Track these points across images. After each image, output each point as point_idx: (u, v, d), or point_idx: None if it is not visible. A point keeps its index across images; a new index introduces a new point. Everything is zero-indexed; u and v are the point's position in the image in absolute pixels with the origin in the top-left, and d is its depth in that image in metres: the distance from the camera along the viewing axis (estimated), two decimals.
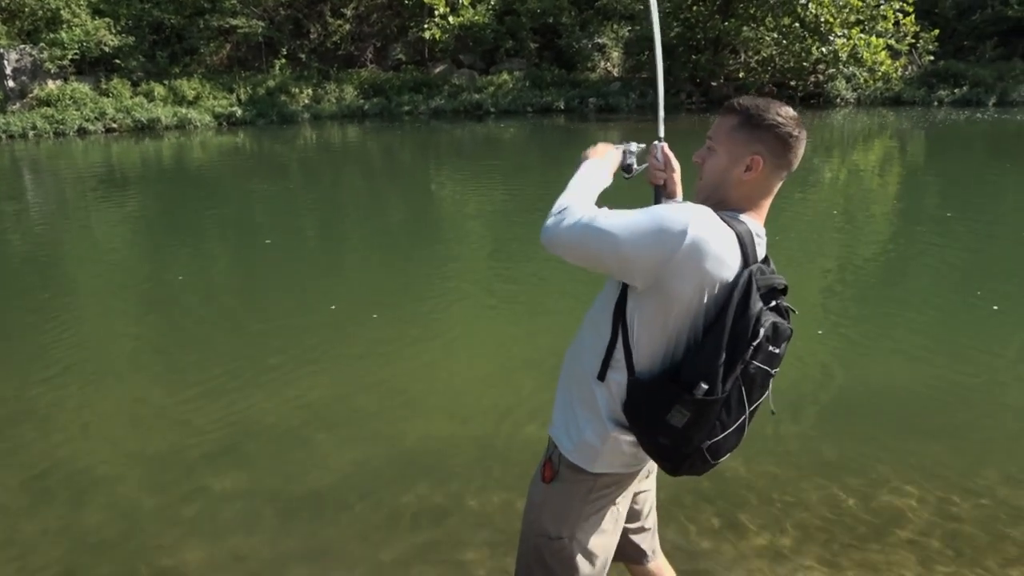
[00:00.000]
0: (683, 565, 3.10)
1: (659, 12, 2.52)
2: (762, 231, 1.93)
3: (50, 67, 23.96)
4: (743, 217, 1.88)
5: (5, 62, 23.48)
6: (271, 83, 26.32)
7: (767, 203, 1.94)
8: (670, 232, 1.74)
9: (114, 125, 23.07)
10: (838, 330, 6.13)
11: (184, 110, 23.90)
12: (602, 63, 30.16)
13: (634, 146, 2.30)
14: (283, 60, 27.70)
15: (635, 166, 2.29)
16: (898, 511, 3.59)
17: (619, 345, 1.90)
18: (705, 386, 1.76)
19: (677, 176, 2.27)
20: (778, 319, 1.81)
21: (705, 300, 1.80)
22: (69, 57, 24.07)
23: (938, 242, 8.87)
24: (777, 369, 1.86)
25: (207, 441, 4.49)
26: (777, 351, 1.82)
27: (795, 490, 3.78)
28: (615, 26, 30.32)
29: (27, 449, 4.47)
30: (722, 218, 1.82)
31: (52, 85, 23.85)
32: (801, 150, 1.90)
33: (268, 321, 6.61)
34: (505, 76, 28.45)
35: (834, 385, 5.08)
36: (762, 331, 1.75)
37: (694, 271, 1.75)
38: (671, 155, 2.27)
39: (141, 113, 23.28)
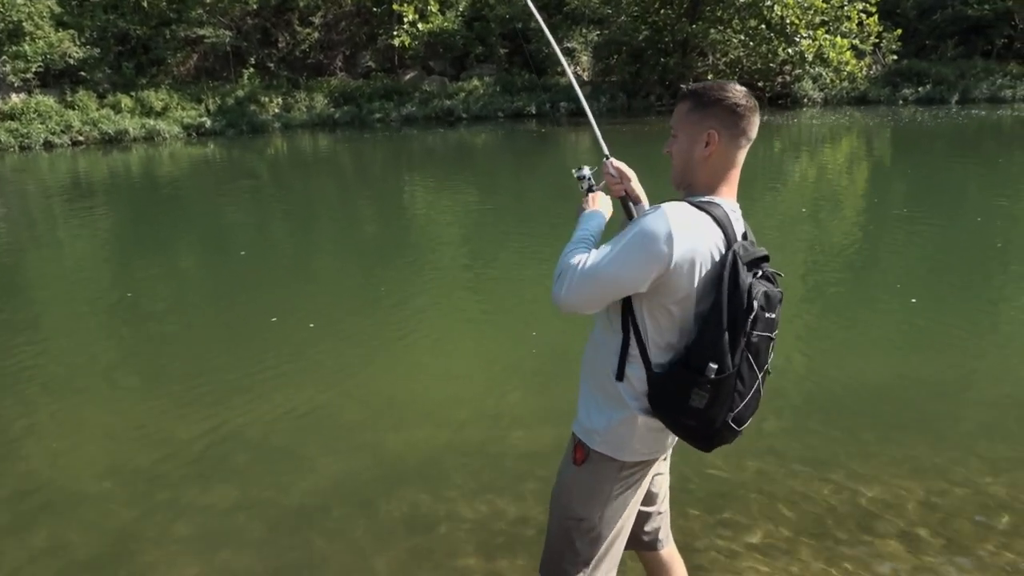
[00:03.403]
0: None
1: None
2: (735, 206, 2.06)
3: (13, 80, 23.57)
4: (716, 199, 2.00)
5: None
6: (240, 93, 26.10)
7: (734, 175, 2.05)
8: (657, 245, 1.87)
9: (80, 138, 22.73)
10: (812, 326, 6.21)
11: (152, 121, 23.62)
12: (572, 68, 30.28)
13: (586, 170, 2.43)
14: (251, 69, 27.48)
15: (594, 185, 2.41)
16: (886, 503, 3.64)
17: (632, 342, 2.01)
18: (715, 366, 1.89)
19: (635, 182, 2.36)
20: (768, 286, 1.94)
21: (699, 286, 1.92)
22: (33, 70, 23.70)
23: (905, 237, 9.02)
24: (776, 331, 1.99)
25: (191, 456, 4.43)
26: (773, 316, 1.94)
27: (784, 486, 3.82)
28: (583, 30, 30.49)
29: (7, 469, 4.39)
30: (697, 206, 1.95)
31: (16, 98, 23.45)
32: (755, 119, 2.01)
33: (246, 333, 6.56)
34: (476, 82, 28.47)
35: (813, 381, 5.15)
36: (756, 303, 1.88)
37: (688, 265, 1.89)
38: (622, 166, 2.36)
39: (108, 125, 22.96)
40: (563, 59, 2.87)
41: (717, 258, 1.92)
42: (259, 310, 7.13)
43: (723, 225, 1.95)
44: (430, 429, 4.70)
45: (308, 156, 20.62)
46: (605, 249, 1.96)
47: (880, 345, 5.78)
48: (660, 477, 2.39)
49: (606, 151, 2.41)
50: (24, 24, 24.20)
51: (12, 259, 9.84)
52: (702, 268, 1.91)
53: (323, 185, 15.83)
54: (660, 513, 2.45)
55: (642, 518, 2.37)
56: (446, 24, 28.21)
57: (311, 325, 6.58)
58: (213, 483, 4.12)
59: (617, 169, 2.34)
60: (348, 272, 8.77)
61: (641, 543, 2.45)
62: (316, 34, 29.23)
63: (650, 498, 2.38)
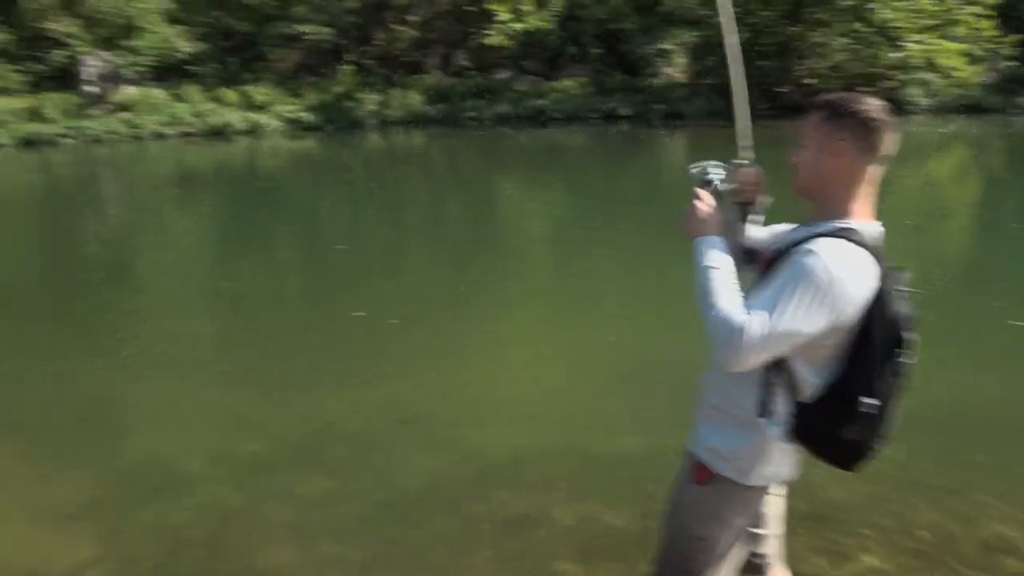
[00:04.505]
0: None
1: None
2: (880, 230, 1.96)
3: (128, 73, 24.75)
4: (861, 225, 1.91)
5: (85, 68, 24.32)
6: (338, 89, 26.76)
7: (870, 193, 1.96)
8: (833, 297, 1.80)
9: (189, 130, 23.72)
10: (928, 345, 5.91)
11: (255, 115, 24.46)
12: (666, 69, 29.88)
13: (711, 168, 2.19)
14: (349, 66, 28.13)
15: (719, 187, 2.17)
16: (1005, 539, 3.42)
17: (779, 375, 1.93)
18: (869, 400, 1.85)
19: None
20: (908, 307, 1.89)
21: (856, 318, 1.87)
22: (146, 63, 24.84)
23: (1019, 252, 8.52)
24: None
25: (287, 445, 4.53)
26: (914, 336, 1.90)
27: (897, 514, 3.63)
28: (679, 31, 30.03)
29: (124, 450, 4.59)
30: (853, 241, 1.85)
31: (130, 90, 24.63)
32: (889, 135, 1.93)
33: (342, 326, 6.67)
34: (568, 82, 28.40)
35: (930, 403, 4.89)
36: (906, 330, 1.85)
37: (854, 309, 1.84)
38: (761, 175, 2.24)
39: (214, 118, 23.90)
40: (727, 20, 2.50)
41: (873, 291, 1.86)
42: (349, 304, 7.25)
43: (876, 256, 1.88)
44: (517, 429, 4.68)
45: (402, 152, 20.99)
46: (769, 301, 1.81)
47: (990, 364, 5.46)
48: (776, 498, 2.30)
49: (747, 157, 2.26)
50: (138, 20, 25.39)
51: (123, 246, 10.33)
52: (862, 303, 1.86)
53: (416, 181, 16.06)
54: (773, 535, 2.36)
55: (754, 539, 2.29)
56: (540, 23, 28.22)
57: (396, 320, 6.65)
58: (308, 473, 4.19)
59: (757, 177, 2.23)
60: (436, 268, 8.86)
61: (750, 564, 2.36)
62: (412, 32, 29.70)
63: (764, 519, 2.28)
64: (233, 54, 27.21)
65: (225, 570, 3.40)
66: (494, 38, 27.08)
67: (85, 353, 6.22)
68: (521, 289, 7.72)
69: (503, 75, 29.58)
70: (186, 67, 25.82)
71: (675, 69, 30.02)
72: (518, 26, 27.41)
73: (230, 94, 25.22)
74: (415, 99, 27.06)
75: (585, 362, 5.80)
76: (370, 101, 26.65)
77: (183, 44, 25.69)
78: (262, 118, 24.47)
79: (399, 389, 5.24)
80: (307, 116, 25.05)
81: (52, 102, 23.73)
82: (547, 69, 30.08)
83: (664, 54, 29.77)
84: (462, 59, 30.04)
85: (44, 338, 6.66)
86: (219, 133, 23.72)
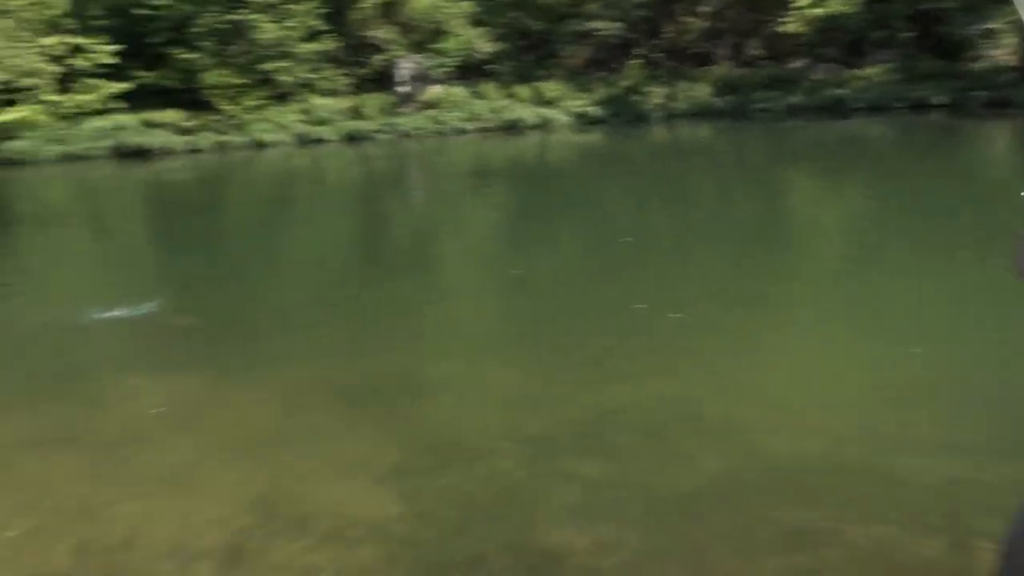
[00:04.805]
0: None
1: None
2: None
3: (435, 73, 26.95)
4: None
5: (399, 70, 26.87)
6: (625, 83, 27.04)
7: None
8: None
9: (486, 125, 25.32)
10: None
11: (545, 110, 25.49)
12: (992, 51, 26.48)
13: None
14: (637, 60, 28.28)
15: None
16: None
17: None
18: None
19: None
20: None
21: None
22: (451, 64, 26.88)
23: None
24: None
25: (572, 427, 4.66)
26: None
27: None
28: (1011, 9, 26.41)
29: (419, 416, 5.02)
30: None
31: (436, 89, 26.82)
32: None
33: (625, 317, 6.73)
34: (872, 69, 26.22)
35: None
36: None
37: None
38: None
39: (508, 113, 25.28)
40: None
41: None
42: (632, 295, 7.29)
43: None
44: (807, 437, 4.41)
45: (687, 145, 20.72)
46: None
47: None
48: None
49: None
50: (447, 24, 27.51)
51: (426, 231, 11.29)
52: None
53: (701, 174, 15.77)
54: None
55: None
56: (842, 7, 26.31)
57: (679, 315, 6.57)
58: (591, 456, 4.28)
59: None
60: (720, 264, 8.61)
61: None
62: (702, 23, 29.14)
63: None
64: (528, 52, 28.55)
65: (508, 541, 3.58)
66: (790, 25, 25.73)
67: (393, 328, 6.89)
68: (811, 290, 7.28)
69: (797, 64, 28.03)
70: (485, 66, 27.54)
71: (1003, 51, 26.49)
72: (818, 11, 25.79)
73: (523, 90, 26.51)
74: (703, 91, 26.56)
75: (884, 374, 5.32)
76: (656, 94, 26.61)
77: (484, 44, 27.43)
78: (551, 113, 25.45)
79: (682, 384, 5.18)
80: (594, 110, 25.62)
81: (371, 102, 26.55)
82: (846, 56, 27.99)
83: (991, 34, 26.40)
84: (754, 48, 28.92)
85: (359, 314, 7.47)
86: (512, 128, 25.04)
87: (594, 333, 6.35)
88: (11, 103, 24.07)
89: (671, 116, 25.60)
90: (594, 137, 22.72)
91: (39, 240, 13.42)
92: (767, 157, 18.12)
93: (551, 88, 26.54)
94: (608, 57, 29.15)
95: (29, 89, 24.38)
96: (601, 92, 26.66)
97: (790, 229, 10.05)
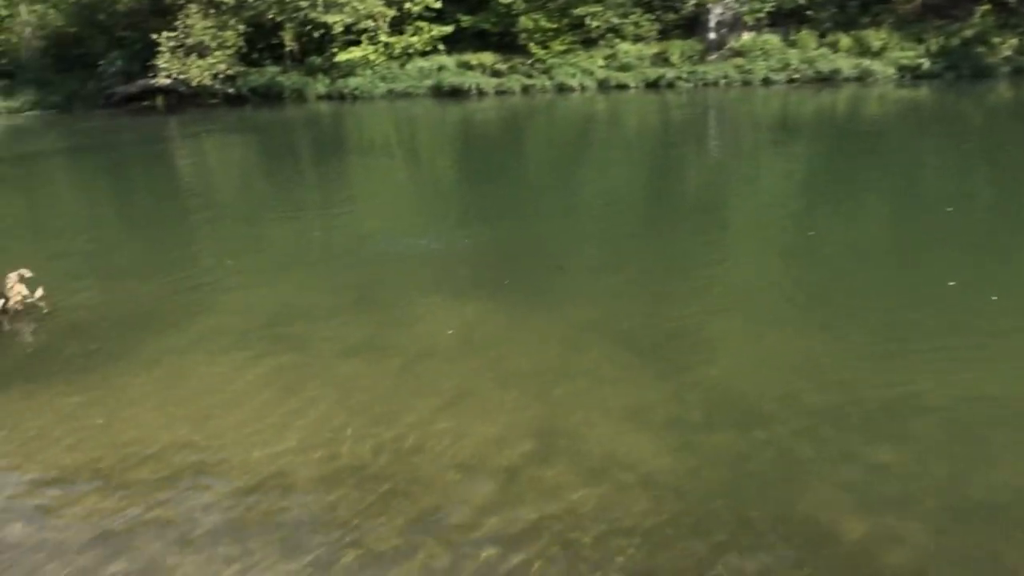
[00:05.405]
0: None
1: None
2: None
3: (747, 20, 25.67)
4: None
5: (712, 15, 25.95)
6: (968, 33, 23.79)
7: None
8: None
9: (796, 75, 23.76)
10: None
11: (867, 62, 23.29)
12: None
13: None
14: (986, 6, 24.68)
15: None
16: None
17: None
18: None
19: None
20: None
21: None
22: (766, 10, 25.41)
23: None
24: None
25: (863, 405, 4.35)
26: None
27: None
28: None
29: (698, 371, 4.96)
30: None
31: (746, 37, 25.58)
32: None
33: (933, 294, 6.05)
34: None
35: None
36: None
37: None
38: None
39: (823, 64, 23.47)
40: None
41: None
42: (944, 271, 6.53)
43: None
44: None
45: None
46: None
47: None
48: None
49: None
50: None
51: (720, 184, 10.93)
52: None
53: None
54: None
55: None
56: None
57: (996, 297, 5.77)
58: (884, 442, 3.97)
59: None
60: None
61: None
62: None
63: None
64: None
65: (778, 512, 3.46)
66: None
67: (679, 280, 6.83)
68: None
69: None
70: (804, 12, 25.66)
71: None
72: None
73: (844, 40, 24.38)
74: None
75: None
76: (1007, 46, 23.11)
77: None
78: (875, 64, 23.17)
79: (995, 376, 4.59)
80: (926, 63, 22.89)
81: (677, 48, 25.95)
82: None
83: None
84: None
85: (645, 261, 7.46)
86: (826, 80, 23.22)
87: (896, 308, 5.80)
88: (353, 43, 27.30)
89: (1021, 72, 22.15)
90: (921, 93, 20.39)
91: (366, 168, 15.02)
92: None
93: (877, 37, 24.09)
94: (948, 2, 25.77)
95: (367, 31, 27.29)
96: (937, 42, 23.70)
97: None
